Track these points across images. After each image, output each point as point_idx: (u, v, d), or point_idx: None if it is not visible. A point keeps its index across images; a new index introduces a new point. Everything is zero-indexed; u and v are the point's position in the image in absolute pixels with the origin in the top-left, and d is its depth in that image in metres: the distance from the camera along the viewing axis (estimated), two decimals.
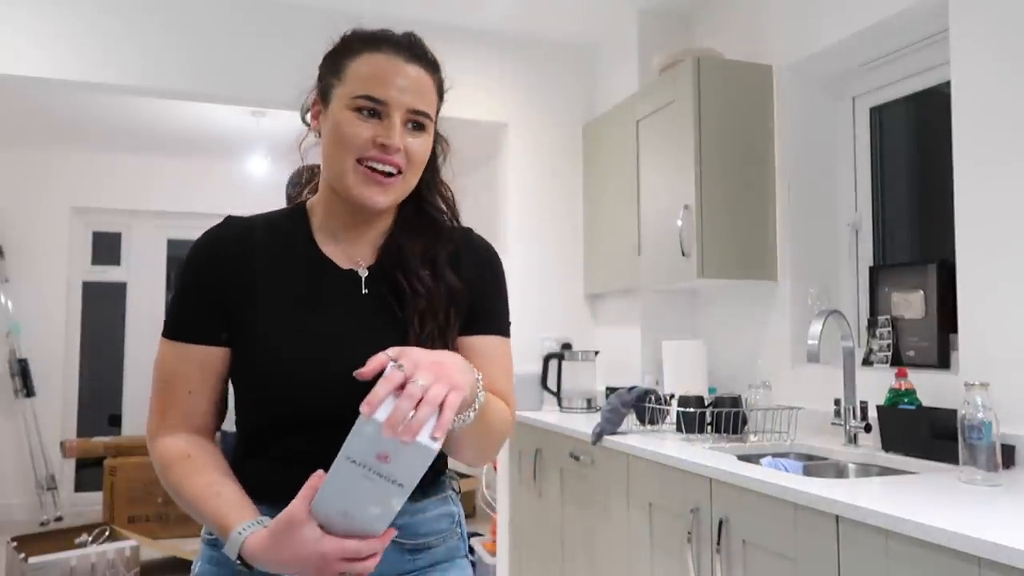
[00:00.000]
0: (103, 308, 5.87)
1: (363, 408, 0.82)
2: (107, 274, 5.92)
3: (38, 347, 5.49)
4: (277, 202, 6.49)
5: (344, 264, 1.09)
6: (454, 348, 1.08)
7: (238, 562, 0.93)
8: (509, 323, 1.18)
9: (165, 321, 1.07)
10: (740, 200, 2.80)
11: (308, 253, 1.09)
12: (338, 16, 3.28)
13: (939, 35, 2.35)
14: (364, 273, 1.09)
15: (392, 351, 0.88)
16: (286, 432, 1.03)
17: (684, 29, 3.44)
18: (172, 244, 6.06)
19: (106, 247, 5.93)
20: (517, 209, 3.65)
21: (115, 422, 5.86)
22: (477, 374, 0.95)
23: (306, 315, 1.05)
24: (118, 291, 5.93)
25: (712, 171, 2.76)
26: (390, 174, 1.03)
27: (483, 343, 1.12)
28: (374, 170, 1.02)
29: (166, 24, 3.17)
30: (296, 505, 0.90)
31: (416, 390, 0.82)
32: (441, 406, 0.83)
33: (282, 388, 1.02)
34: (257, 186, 5.94)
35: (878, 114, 2.74)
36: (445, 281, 1.09)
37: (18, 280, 5.50)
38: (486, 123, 3.60)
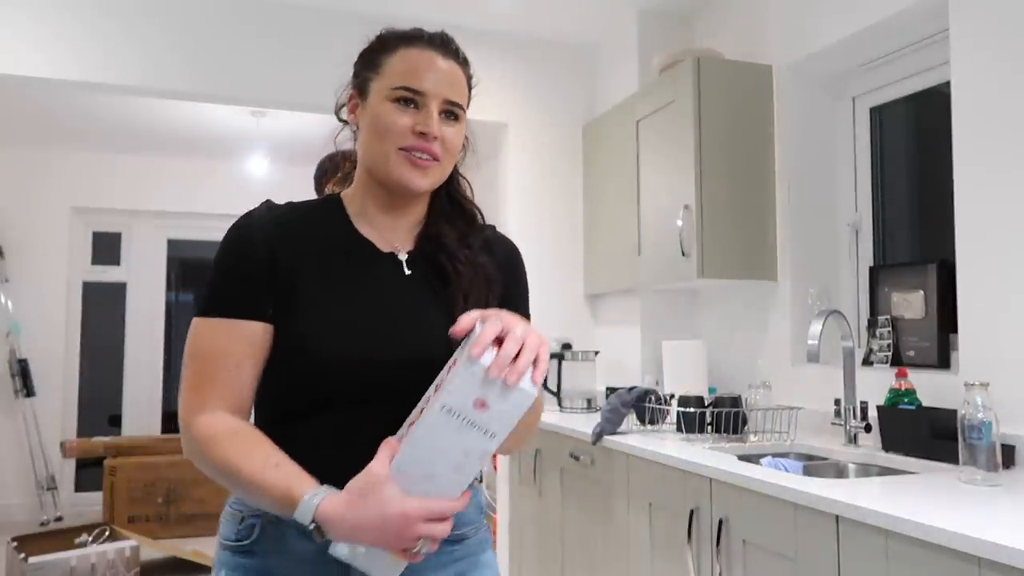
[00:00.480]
0: (103, 308, 5.87)
1: (472, 350, 0.85)
2: (107, 274, 5.92)
3: (38, 347, 5.48)
4: (278, 202, 6.35)
5: (384, 248, 1.12)
6: None
7: (312, 525, 0.89)
8: (530, 316, 1.22)
9: (203, 301, 1.04)
10: (740, 200, 2.80)
11: (348, 235, 1.11)
12: (338, 16, 3.30)
13: (939, 35, 2.35)
14: (404, 257, 1.12)
15: (476, 313, 0.91)
16: (323, 412, 1.02)
17: (684, 29, 3.44)
18: (172, 244, 6.06)
19: (106, 247, 5.93)
20: (517, 209, 3.65)
21: (115, 422, 5.86)
22: None
23: (351, 292, 1.07)
24: (118, 291, 5.93)
25: (712, 171, 2.76)
26: (428, 159, 1.07)
27: None
28: (414, 156, 1.06)
29: (166, 24, 3.17)
30: (376, 465, 0.90)
31: (518, 336, 0.87)
32: (536, 357, 0.88)
33: (327, 363, 1.01)
34: (257, 186, 5.94)
35: (878, 114, 2.74)
36: (482, 264, 1.13)
37: (18, 280, 5.50)
38: (486, 123, 3.60)
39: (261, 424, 1.06)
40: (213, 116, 4.78)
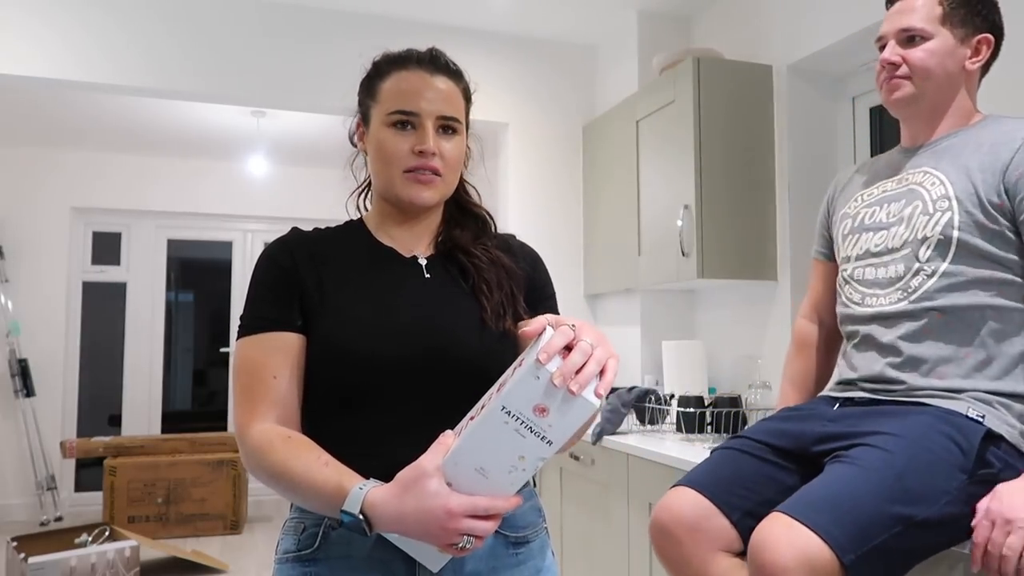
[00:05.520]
0: (103, 308, 5.87)
1: (540, 356, 0.85)
2: (107, 274, 5.92)
3: (38, 347, 5.49)
4: (276, 203, 6.51)
5: (406, 254, 1.17)
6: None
7: (360, 516, 0.91)
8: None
9: (240, 324, 1.10)
10: (740, 200, 2.80)
11: (370, 245, 1.18)
12: (339, 16, 3.30)
13: None
14: (424, 261, 1.17)
15: (549, 317, 0.92)
16: (362, 410, 1.05)
17: (684, 29, 3.44)
18: (172, 244, 6.05)
19: (106, 247, 5.93)
20: (517, 209, 3.65)
21: (115, 422, 5.86)
22: None
23: (377, 292, 1.11)
24: (118, 291, 5.93)
25: (712, 171, 2.76)
26: (430, 175, 1.12)
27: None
28: (418, 175, 1.12)
29: (166, 25, 3.17)
30: (426, 458, 0.91)
31: (586, 347, 0.87)
32: (603, 368, 0.88)
33: (362, 361, 1.04)
34: (257, 186, 5.95)
35: (878, 114, 2.74)
36: (500, 259, 1.18)
37: (18, 280, 5.50)
38: (486, 123, 3.60)
39: (308, 427, 1.08)
40: (213, 116, 4.78)
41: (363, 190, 1.25)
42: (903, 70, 1.50)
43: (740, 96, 2.82)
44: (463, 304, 1.12)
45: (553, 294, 1.26)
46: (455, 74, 1.18)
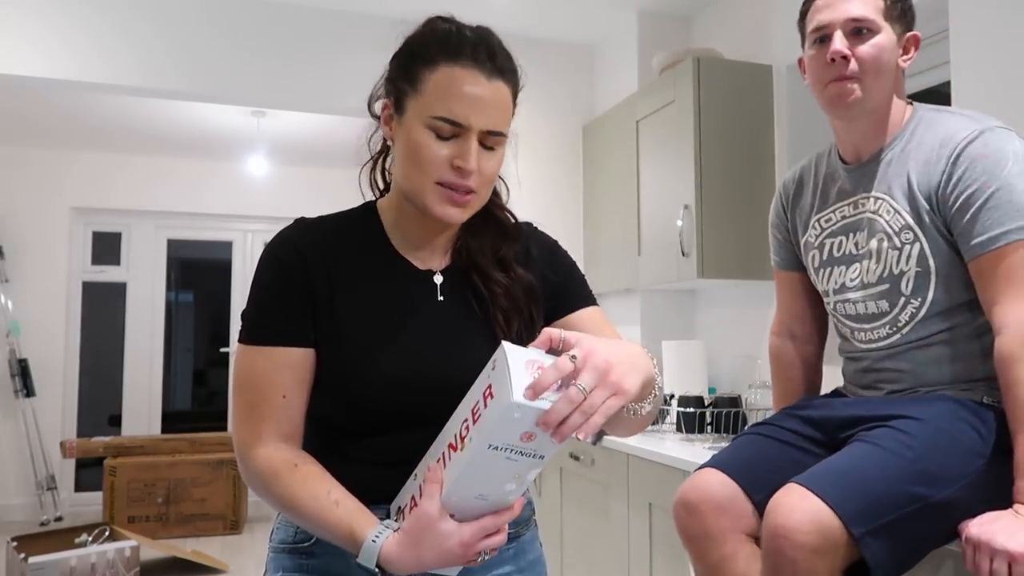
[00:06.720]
0: (103, 308, 5.87)
1: (527, 393, 0.81)
2: (107, 274, 5.92)
3: (38, 347, 5.48)
4: (276, 203, 6.49)
5: (421, 266, 1.10)
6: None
7: (377, 570, 0.92)
8: (595, 300, 1.19)
9: (245, 327, 1.04)
10: (740, 200, 2.80)
11: (386, 254, 1.09)
12: (338, 16, 3.30)
13: (939, 35, 2.35)
14: (440, 279, 1.10)
15: (569, 335, 0.87)
16: (368, 434, 1.03)
17: (684, 29, 3.44)
18: (172, 244, 6.06)
19: (106, 247, 5.93)
20: (516, 209, 3.64)
21: (115, 422, 5.86)
22: (655, 368, 0.96)
23: (392, 316, 1.05)
24: (118, 291, 5.93)
25: (712, 171, 2.76)
26: (465, 194, 1.02)
27: (587, 316, 1.15)
28: (451, 189, 1.01)
29: (166, 24, 3.17)
30: (426, 504, 0.91)
31: (576, 395, 0.82)
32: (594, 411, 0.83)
33: (372, 389, 1.01)
34: (257, 186, 5.95)
35: None
36: (519, 278, 1.10)
37: (18, 280, 5.50)
38: None
39: (317, 436, 1.06)
40: (213, 116, 4.78)
41: (378, 160, 1.16)
42: (853, 67, 1.38)
43: (740, 96, 2.82)
44: (476, 337, 1.06)
45: (577, 283, 1.18)
46: (509, 75, 1.05)
